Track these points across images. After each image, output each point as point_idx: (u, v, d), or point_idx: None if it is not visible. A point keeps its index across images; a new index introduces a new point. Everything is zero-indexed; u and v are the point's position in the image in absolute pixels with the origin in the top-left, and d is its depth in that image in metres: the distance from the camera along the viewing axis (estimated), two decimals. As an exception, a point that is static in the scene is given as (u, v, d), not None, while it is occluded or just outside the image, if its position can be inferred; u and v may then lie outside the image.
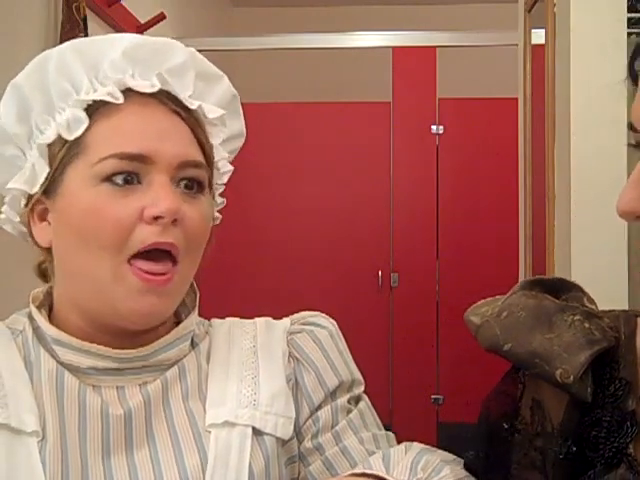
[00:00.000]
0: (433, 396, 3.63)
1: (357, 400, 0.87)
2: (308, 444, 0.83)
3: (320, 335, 0.87)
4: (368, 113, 3.72)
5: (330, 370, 0.85)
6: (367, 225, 3.67)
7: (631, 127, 0.71)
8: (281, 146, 3.67)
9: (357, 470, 0.73)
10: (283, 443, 0.81)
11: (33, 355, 0.79)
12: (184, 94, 0.81)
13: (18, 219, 0.82)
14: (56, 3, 2.34)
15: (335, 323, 0.90)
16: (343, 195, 3.67)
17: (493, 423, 0.77)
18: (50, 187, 0.78)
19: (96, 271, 0.76)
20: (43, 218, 0.80)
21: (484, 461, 0.77)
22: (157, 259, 0.76)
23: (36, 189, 0.79)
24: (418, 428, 3.41)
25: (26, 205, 0.80)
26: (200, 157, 0.80)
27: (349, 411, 0.85)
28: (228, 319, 0.91)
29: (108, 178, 0.75)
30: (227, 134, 0.86)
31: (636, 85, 0.73)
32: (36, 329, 0.81)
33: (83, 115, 0.77)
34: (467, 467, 0.78)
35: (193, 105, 0.81)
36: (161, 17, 3.04)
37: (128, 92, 0.78)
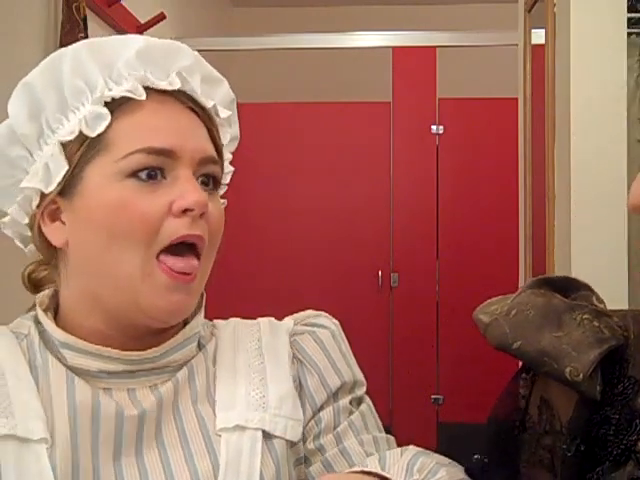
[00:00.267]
0: (433, 396, 3.63)
1: (359, 401, 0.87)
2: (310, 445, 0.83)
3: (322, 336, 0.87)
4: (368, 113, 3.72)
5: (332, 371, 0.85)
6: (367, 225, 3.67)
7: None
8: (281, 146, 3.68)
9: (355, 468, 0.73)
10: (292, 445, 0.81)
11: (39, 359, 0.79)
12: (197, 92, 0.82)
13: (27, 221, 0.81)
14: (56, 3, 2.34)
15: (337, 323, 0.89)
16: (343, 195, 3.67)
17: (501, 423, 0.77)
18: (67, 186, 0.77)
19: (124, 268, 0.75)
20: (55, 218, 0.79)
21: (491, 462, 0.77)
22: (182, 254, 0.76)
23: (52, 188, 0.78)
24: (418, 428, 3.41)
25: (38, 205, 0.79)
26: (215, 154, 0.81)
27: (351, 412, 0.85)
28: (231, 320, 0.90)
29: (133, 174, 0.75)
30: (231, 135, 0.87)
31: None
32: (42, 333, 0.80)
33: (105, 111, 0.76)
34: (471, 470, 0.78)
35: (209, 104, 0.82)
36: (161, 17, 3.04)
37: (146, 90, 0.78)
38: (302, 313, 0.91)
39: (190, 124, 0.80)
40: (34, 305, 0.85)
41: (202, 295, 0.86)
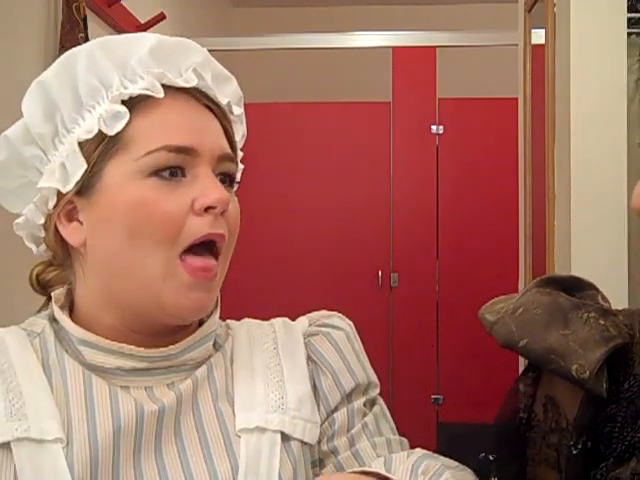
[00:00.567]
0: (433, 396, 3.63)
1: (372, 403, 0.87)
2: (324, 447, 0.83)
3: (337, 337, 0.86)
4: (368, 113, 3.72)
5: (346, 372, 0.85)
6: (367, 225, 3.67)
7: None
8: (281, 146, 3.68)
9: (356, 469, 0.73)
10: (309, 447, 0.81)
11: (53, 358, 0.78)
12: (212, 89, 0.82)
13: (42, 221, 0.81)
14: (56, 3, 2.34)
15: (352, 324, 0.89)
16: (343, 195, 3.67)
17: (508, 421, 0.77)
18: (85, 185, 0.77)
19: (146, 267, 0.75)
20: (71, 218, 0.79)
21: (498, 460, 0.77)
22: (201, 253, 0.77)
23: (70, 187, 0.77)
24: (418, 428, 3.40)
25: (55, 205, 0.79)
26: (231, 151, 0.82)
27: (364, 414, 0.85)
28: (245, 320, 0.90)
29: (155, 172, 0.75)
30: (242, 132, 0.88)
31: None
32: (57, 331, 0.80)
33: (123, 109, 0.76)
34: (479, 468, 0.78)
35: (224, 101, 0.83)
36: (161, 17, 3.04)
37: (163, 87, 0.78)
38: (316, 313, 0.90)
39: (207, 121, 0.80)
40: (43, 305, 0.85)
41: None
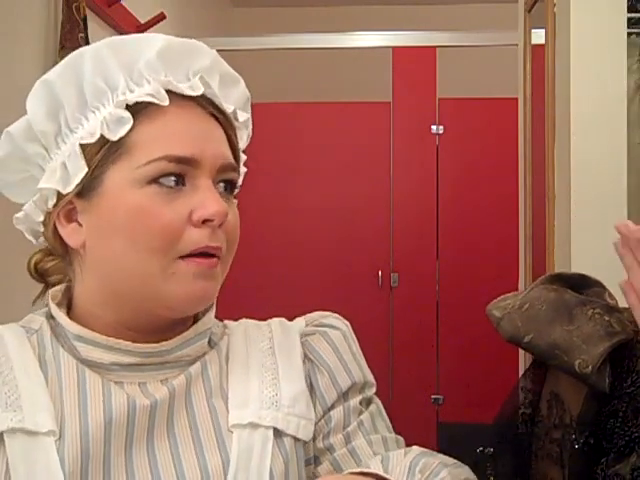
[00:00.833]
0: (433, 396, 3.63)
1: (369, 402, 0.88)
2: (320, 444, 0.83)
3: (333, 336, 0.87)
4: (368, 113, 3.72)
5: (343, 371, 0.85)
6: (367, 225, 3.67)
7: None
8: (281, 146, 3.67)
9: (355, 469, 0.74)
10: (303, 444, 0.82)
11: (49, 354, 0.79)
12: (218, 97, 0.81)
13: (41, 219, 0.81)
14: (56, 3, 2.34)
15: (348, 324, 0.90)
16: (343, 195, 3.67)
17: (510, 416, 0.78)
18: (85, 187, 0.77)
19: (144, 268, 0.76)
20: (71, 219, 0.79)
21: (497, 454, 0.78)
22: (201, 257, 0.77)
23: (70, 189, 0.77)
24: (418, 428, 3.41)
25: (55, 205, 0.79)
26: (234, 160, 0.82)
27: (360, 412, 0.86)
28: (242, 320, 0.91)
29: (155, 180, 0.75)
30: (247, 135, 0.88)
31: None
32: (54, 327, 0.81)
33: (127, 115, 0.76)
34: (477, 462, 0.79)
35: (229, 109, 0.82)
36: (161, 17, 3.04)
37: (168, 93, 0.77)
38: (313, 314, 0.91)
39: (211, 130, 0.80)
40: (41, 293, 0.86)
41: None
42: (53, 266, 0.85)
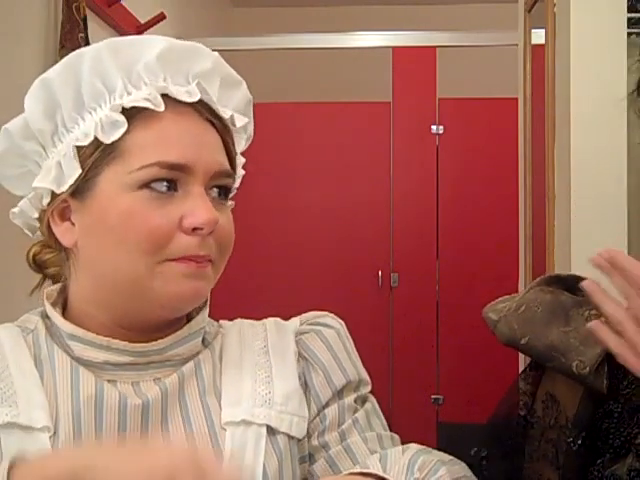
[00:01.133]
0: (433, 396, 3.63)
1: (363, 400, 0.88)
2: (314, 442, 0.84)
3: (328, 335, 0.88)
4: (368, 113, 3.72)
5: (338, 369, 0.86)
6: (367, 225, 3.67)
7: None
8: (281, 146, 3.67)
9: (354, 470, 0.74)
10: (297, 442, 0.82)
11: (44, 353, 0.80)
12: (215, 102, 0.81)
13: (36, 215, 0.82)
14: (56, 3, 2.34)
15: (343, 323, 0.90)
16: (343, 195, 3.67)
17: (505, 417, 0.78)
18: (79, 188, 0.78)
19: (133, 268, 0.76)
20: (64, 218, 0.80)
21: (490, 455, 0.78)
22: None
23: (64, 189, 0.78)
24: (418, 428, 3.41)
25: (49, 203, 0.80)
26: (229, 166, 0.82)
27: (355, 410, 0.86)
28: (237, 320, 0.91)
29: (147, 185, 0.76)
30: (246, 137, 0.88)
31: None
32: (49, 327, 0.82)
33: (122, 119, 0.76)
34: (471, 463, 0.79)
35: (226, 114, 0.82)
36: (161, 17, 3.04)
37: (164, 98, 0.78)
38: (308, 314, 0.91)
39: (206, 137, 0.79)
40: (38, 284, 0.86)
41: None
42: (51, 258, 0.86)
